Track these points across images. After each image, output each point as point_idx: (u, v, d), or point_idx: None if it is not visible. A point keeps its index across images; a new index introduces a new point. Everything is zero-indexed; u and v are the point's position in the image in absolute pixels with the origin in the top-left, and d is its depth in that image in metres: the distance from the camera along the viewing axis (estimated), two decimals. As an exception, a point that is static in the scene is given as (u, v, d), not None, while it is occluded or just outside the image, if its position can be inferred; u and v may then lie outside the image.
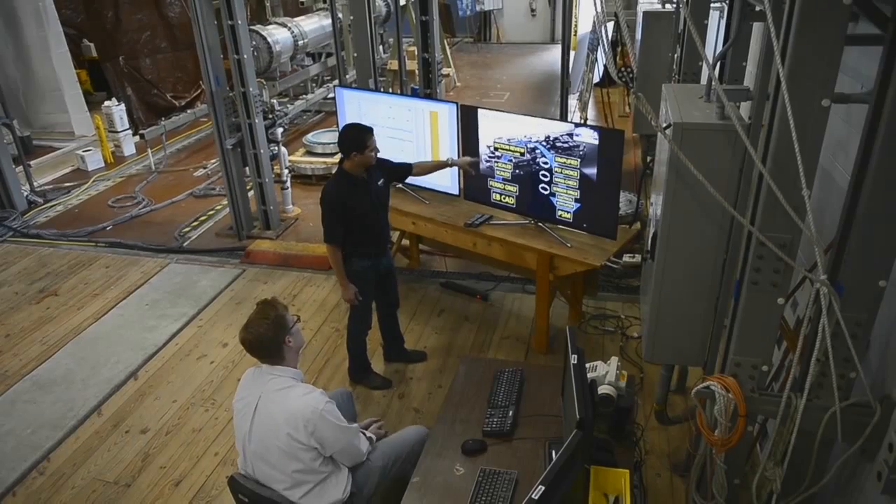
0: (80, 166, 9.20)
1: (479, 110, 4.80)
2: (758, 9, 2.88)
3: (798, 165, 1.90)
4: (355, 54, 6.10)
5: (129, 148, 9.68)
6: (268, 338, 2.64)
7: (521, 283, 5.72)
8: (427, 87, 6.04)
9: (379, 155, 4.12)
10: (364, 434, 2.95)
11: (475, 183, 4.99)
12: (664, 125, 2.73)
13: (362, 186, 4.07)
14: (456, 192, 5.17)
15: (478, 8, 17.13)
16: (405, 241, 5.96)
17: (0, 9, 9.95)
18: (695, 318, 3.06)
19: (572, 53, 7.66)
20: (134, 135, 9.74)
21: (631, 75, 5.97)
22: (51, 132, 10.63)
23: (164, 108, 10.90)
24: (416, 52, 6.15)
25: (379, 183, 4.19)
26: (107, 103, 9.61)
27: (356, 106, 5.38)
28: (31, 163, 8.64)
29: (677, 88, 3.22)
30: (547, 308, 4.80)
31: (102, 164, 9.25)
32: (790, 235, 2.19)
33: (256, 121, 6.36)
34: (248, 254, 6.39)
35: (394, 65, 10.87)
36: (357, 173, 4.04)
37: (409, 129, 5.19)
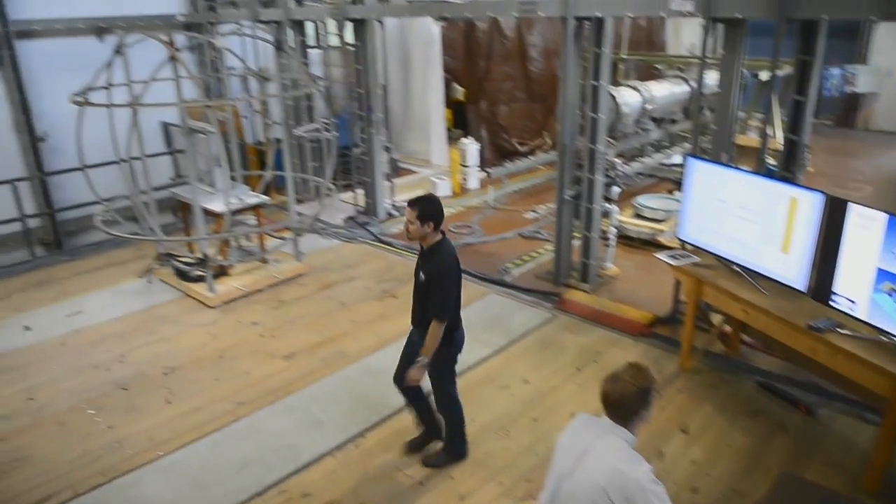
0: (431, 191, 10.48)
1: (851, 206, 4.27)
2: None
3: None
4: (714, 127, 5.95)
5: (473, 182, 10.78)
6: (629, 402, 2.69)
7: (858, 407, 4.95)
8: (787, 170, 5.62)
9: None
10: None
11: (827, 282, 4.47)
12: None
13: None
14: (802, 287, 4.69)
15: (847, 89, 15.46)
16: (727, 328, 5.59)
17: (401, 53, 11.93)
18: None
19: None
20: (480, 171, 10.79)
21: None
22: (412, 158, 12.35)
23: (508, 151, 11.92)
24: (768, 129, 5.79)
25: None
26: (464, 140, 10.85)
27: (706, 178, 5.25)
28: (395, 181, 10.11)
29: None
30: (890, 444, 4.07)
31: (450, 193, 10.47)
32: None
33: (597, 177, 6.58)
34: (562, 301, 6.61)
35: (745, 139, 10.32)
36: None
37: (759, 211, 4.88)
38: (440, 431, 4.56)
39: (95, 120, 6.76)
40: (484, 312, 6.56)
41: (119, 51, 6.58)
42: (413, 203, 3.93)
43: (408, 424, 4.88)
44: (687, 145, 10.55)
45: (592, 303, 6.53)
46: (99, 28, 9.82)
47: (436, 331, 3.98)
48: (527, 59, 12.26)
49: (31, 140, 9.34)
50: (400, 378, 4.33)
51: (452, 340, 4.22)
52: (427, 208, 3.90)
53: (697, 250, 5.46)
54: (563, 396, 5.19)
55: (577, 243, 7.06)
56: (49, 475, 4.50)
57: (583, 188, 6.70)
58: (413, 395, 4.44)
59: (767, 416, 4.95)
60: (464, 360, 5.66)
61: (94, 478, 4.47)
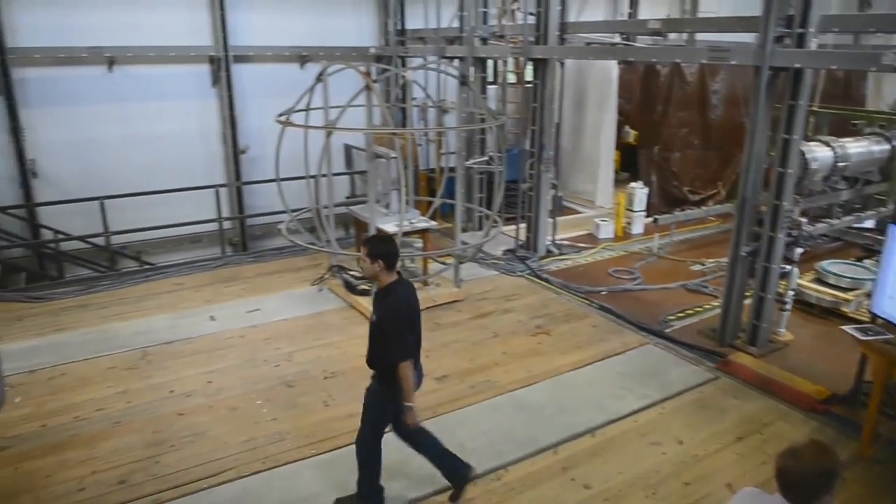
0: (593, 232, 10.39)
1: None
2: None
3: None
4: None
5: (637, 227, 10.52)
6: (809, 483, 2.47)
7: None
8: None
9: None
10: None
11: None
12: None
13: None
14: None
15: None
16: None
17: (576, 92, 11.99)
18: None
19: None
20: (646, 217, 10.50)
21: None
22: (577, 197, 12.29)
23: (677, 199, 11.49)
24: None
25: None
26: (632, 184, 10.63)
27: (911, 250, 4.75)
28: (558, 219, 10.10)
29: None
30: None
31: (612, 236, 10.28)
32: None
33: (779, 235, 6.16)
34: (726, 362, 6.21)
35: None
36: None
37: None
38: (456, 470, 4.43)
39: (289, 138, 7.43)
40: (639, 362, 6.33)
41: (320, 78, 7.22)
42: (366, 241, 4.06)
43: (551, 465, 4.83)
44: (883, 209, 9.57)
45: (760, 368, 6.07)
46: (301, 56, 10.84)
47: (403, 373, 3.93)
48: (707, 106, 11.79)
49: (235, 152, 10.47)
50: (358, 440, 4.40)
51: None
52: (378, 247, 3.96)
53: (892, 327, 4.93)
54: (719, 464, 4.86)
55: (747, 303, 6.63)
56: (218, 454, 4.95)
57: (761, 245, 6.29)
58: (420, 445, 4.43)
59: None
60: (616, 407, 5.55)
61: (255, 463, 4.85)
